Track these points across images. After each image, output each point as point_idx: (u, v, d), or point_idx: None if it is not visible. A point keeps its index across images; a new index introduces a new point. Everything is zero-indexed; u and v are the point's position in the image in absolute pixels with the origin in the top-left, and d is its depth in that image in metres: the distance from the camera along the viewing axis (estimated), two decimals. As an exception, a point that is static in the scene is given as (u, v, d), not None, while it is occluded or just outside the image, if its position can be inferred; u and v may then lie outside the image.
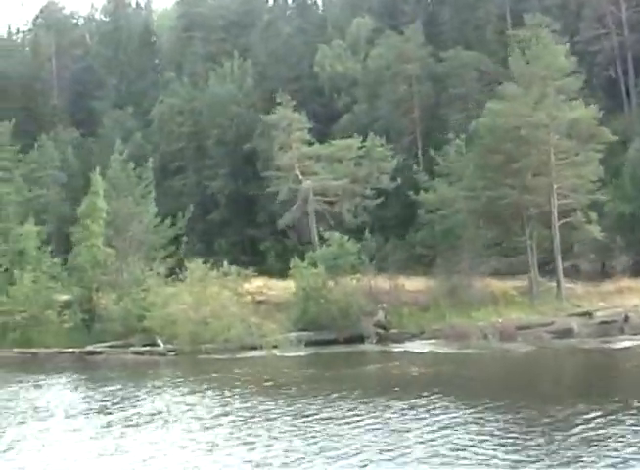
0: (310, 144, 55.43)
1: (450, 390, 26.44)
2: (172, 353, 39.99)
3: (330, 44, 71.40)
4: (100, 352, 40.93)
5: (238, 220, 61.63)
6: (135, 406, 26.35)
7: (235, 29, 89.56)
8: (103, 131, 72.13)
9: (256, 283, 46.60)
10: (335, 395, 26.30)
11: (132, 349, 40.90)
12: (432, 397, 24.97)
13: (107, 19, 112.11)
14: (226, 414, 24.11)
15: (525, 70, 45.48)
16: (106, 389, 30.29)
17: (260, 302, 45.51)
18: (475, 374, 31.86)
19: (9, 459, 19.94)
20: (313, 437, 20.52)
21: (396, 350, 38.88)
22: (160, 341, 41.06)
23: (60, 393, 30.74)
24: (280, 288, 46.15)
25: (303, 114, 56.88)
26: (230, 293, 41.43)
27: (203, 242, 58.74)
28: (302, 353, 38.53)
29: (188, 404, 26.26)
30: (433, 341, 39.62)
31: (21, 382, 33.45)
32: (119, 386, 30.75)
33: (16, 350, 41.77)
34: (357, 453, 18.71)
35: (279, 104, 56.47)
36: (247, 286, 43.63)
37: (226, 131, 66.78)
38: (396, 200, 54.29)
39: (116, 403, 27.04)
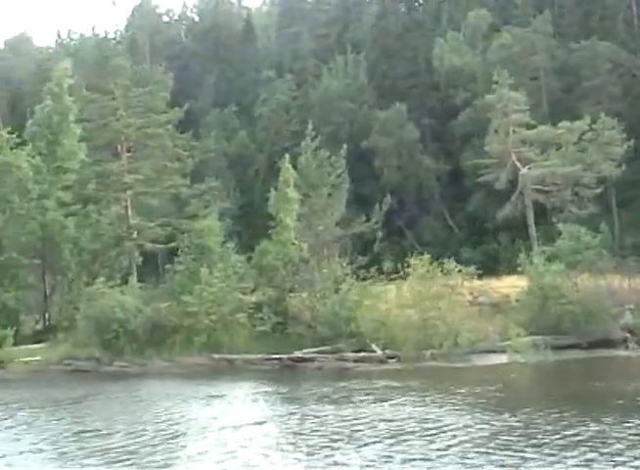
0: (531, 127, 49.96)
1: None
2: (393, 360, 35.08)
3: (445, 37, 68.25)
4: (310, 359, 36.35)
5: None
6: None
7: (337, 25, 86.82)
8: (204, 131, 68.85)
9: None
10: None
11: (347, 354, 36.13)
12: None
13: (198, 17, 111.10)
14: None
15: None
16: (350, 408, 24.79)
17: (474, 302, 40.23)
18: None
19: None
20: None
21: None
22: (375, 346, 36.28)
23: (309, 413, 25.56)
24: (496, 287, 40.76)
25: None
26: (452, 292, 36.35)
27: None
28: (549, 360, 33.16)
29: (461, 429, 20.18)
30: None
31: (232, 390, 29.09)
32: (365, 401, 25.56)
33: (216, 356, 37.40)
34: None
35: (495, 83, 51.54)
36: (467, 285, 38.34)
37: (339, 129, 64.23)
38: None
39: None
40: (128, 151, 44.92)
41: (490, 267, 42.86)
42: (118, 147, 44.93)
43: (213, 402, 26.92)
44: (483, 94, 54.65)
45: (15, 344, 42.63)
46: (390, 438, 19.08)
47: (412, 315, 35.55)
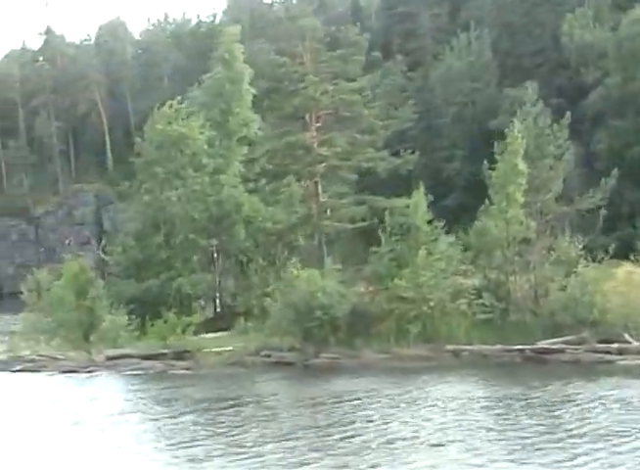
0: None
1: None
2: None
3: (574, 13, 63.86)
4: (559, 351, 31.72)
5: (477, 206, 52.67)
6: None
7: (449, 4, 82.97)
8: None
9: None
10: None
11: (597, 345, 31.50)
12: None
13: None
14: None
15: None
16: None
17: None
18: None
19: None
20: None
21: None
22: (628, 336, 31.55)
23: None
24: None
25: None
26: None
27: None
28: None
29: None
30: None
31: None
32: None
33: (450, 347, 33.07)
34: None
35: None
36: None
37: (462, 109, 62.09)
38: None
39: None
40: (317, 121, 40.56)
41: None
42: (306, 117, 40.62)
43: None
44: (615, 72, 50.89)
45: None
46: None
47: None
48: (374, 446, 18.84)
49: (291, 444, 19.45)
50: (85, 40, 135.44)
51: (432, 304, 34.45)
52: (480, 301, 34.66)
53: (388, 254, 36.60)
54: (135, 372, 34.83)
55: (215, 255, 42.90)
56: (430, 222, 37.20)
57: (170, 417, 24.04)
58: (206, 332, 39.43)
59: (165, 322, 38.30)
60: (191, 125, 41.38)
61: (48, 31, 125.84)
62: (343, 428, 20.88)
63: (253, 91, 43.49)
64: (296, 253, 41.34)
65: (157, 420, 23.92)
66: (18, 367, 37.26)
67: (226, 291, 42.60)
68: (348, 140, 39.99)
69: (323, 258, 38.95)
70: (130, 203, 46.12)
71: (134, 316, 40.02)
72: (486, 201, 36.96)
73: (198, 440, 20.58)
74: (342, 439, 19.67)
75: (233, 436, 20.90)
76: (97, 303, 41.20)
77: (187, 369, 34.85)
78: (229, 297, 42.73)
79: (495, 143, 37.02)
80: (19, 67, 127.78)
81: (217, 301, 42.99)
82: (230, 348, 36.45)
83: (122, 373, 34.81)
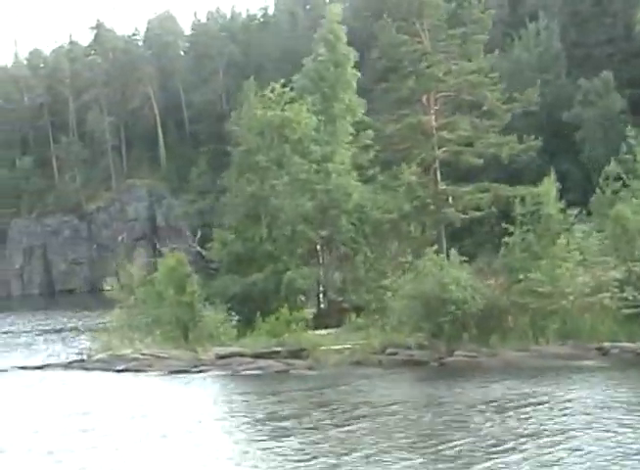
0: None
1: None
2: None
3: None
4: None
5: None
6: None
7: None
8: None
9: None
10: None
11: None
12: None
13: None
14: None
15: None
16: None
17: None
18: None
19: None
20: None
21: None
22: None
23: None
24: None
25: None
26: None
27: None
28: None
29: None
30: None
31: None
32: None
33: (607, 344, 30.47)
34: None
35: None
36: None
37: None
38: None
39: None
40: (435, 103, 38.02)
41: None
42: (423, 99, 38.09)
43: None
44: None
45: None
46: None
47: None
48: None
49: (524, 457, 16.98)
50: (133, 34, 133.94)
51: (571, 298, 31.88)
52: (624, 294, 32.02)
53: (520, 244, 34.07)
54: (252, 372, 32.57)
55: (319, 246, 40.52)
56: (563, 210, 34.62)
57: (334, 425, 21.54)
58: (315, 328, 37.14)
59: (277, 319, 36.11)
60: (297, 109, 38.96)
61: (99, 25, 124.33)
62: (565, 436, 18.40)
63: (358, 74, 41.07)
64: (407, 244, 39.01)
65: (316, 429, 21.42)
66: (121, 367, 35.12)
67: (331, 285, 40.11)
68: (471, 124, 37.38)
69: (443, 249, 36.35)
70: (226, 195, 43.63)
71: (233, 313, 38.03)
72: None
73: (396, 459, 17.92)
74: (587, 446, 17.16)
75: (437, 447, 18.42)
76: (196, 298, 39.06)
77: (309, 369, 32.56)
78: (334, 291, 40.26)
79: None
80: (68, 61, 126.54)
81: (320, 295, 40.54)
82: (349, 345, 34.13)
83: (239, 373, 32.54)
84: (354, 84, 41.07)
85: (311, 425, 21.75)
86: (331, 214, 38.93)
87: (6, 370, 36.96)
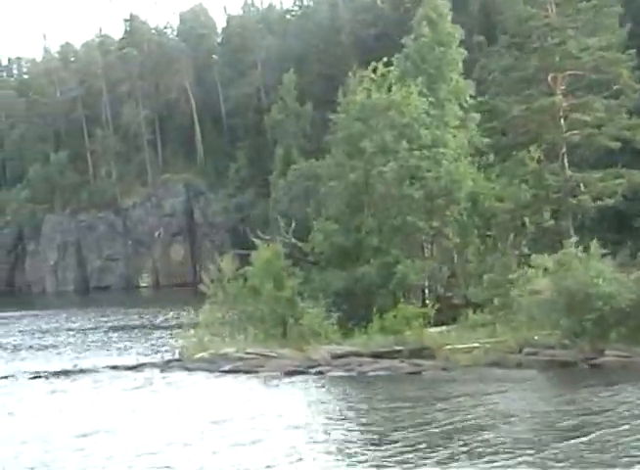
0: None
1: None
2: None
3: None
4: None
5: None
6: None
7: None
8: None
9: None
10: None
11: None
12: None
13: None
14: None
15: None
16: None
17: None
18: None
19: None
20: None
21: None
22: None
23: None
24: None
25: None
26: None
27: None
28: None
29: None
30: None
31: None
32: None
33: None
34: None
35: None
36: None
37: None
38: None
39: None
40: (561, 83, 35.32)
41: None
42: (549, 78, 35.40)
43: None
44: None
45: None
46: None
47: None
48: None
49: None
50: (165, 27, 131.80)
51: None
52: None
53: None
54: (378, 373, 29.95)
55: (424, 237, 37.93)
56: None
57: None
58: (430, 325, 34.54)
59: (395, 316, 33.52)
60: (405, 91, 36.34)
61: (132, 18, 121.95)
62: None
63: (465, 53, 38.47)
64: (524, 236, 36.41)
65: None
66: (227, 367, 32.46)
67: (439, 279, 37.52)
68: (604, 105, 34.68)
69: (571, 239, 33.57)
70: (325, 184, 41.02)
71: (334, 308, 35.59)
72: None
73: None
74: None
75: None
76: (296, 293, 36.56)
77: (442, 369, 29.96)
78: (442, 285, 37.70)
79: None
80: (101, 54, 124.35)
81: (426, 290, 37.96)
82: (477, 344, 31.52)
83: (364, 374, 29.91)
84: (460, 64, 38.44)
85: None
86: (440, 204, 36.30)
87: (97, 371, 34.41)
